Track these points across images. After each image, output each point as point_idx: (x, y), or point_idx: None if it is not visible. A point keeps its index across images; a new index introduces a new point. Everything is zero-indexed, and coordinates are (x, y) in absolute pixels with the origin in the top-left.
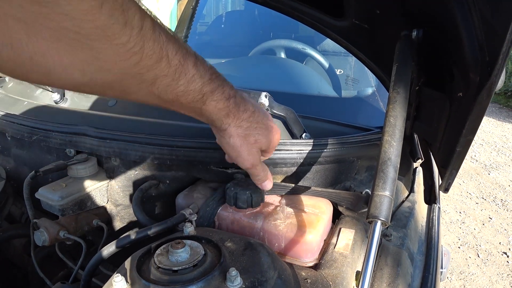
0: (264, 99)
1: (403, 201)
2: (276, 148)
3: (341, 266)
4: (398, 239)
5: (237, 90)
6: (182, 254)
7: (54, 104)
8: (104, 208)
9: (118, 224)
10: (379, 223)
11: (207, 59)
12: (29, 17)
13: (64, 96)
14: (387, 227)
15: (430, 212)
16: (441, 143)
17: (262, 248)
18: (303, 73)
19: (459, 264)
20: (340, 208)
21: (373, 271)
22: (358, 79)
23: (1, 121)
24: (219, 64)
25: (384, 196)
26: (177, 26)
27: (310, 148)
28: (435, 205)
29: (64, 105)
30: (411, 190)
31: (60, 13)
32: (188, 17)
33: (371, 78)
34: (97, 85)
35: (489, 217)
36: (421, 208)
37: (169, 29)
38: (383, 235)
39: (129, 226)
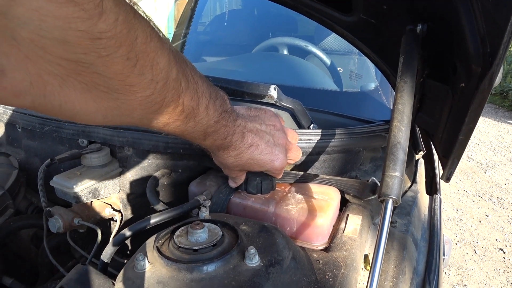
0: (273, 92)
1: (406, 191)
2: None
3: (350, 248)
4: (403, 226)
5: (247, 121)
6: (202, 234)
7: None
8: (116, 196)
9: (129, 213)
10: (390, 201)
11: (208, 57)
12: (64, 73)
13: None
14: (396, 207)
15: (431, 202)
16: (443, 134)
17: (276, 230)
18: (307, 69)
19: (457, 260)
20: (347, 196)
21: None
22: (361, 74)
23: (12, 113)
24: (224, 61)
25: (395, 176)
26: (176, 26)
27: (319, 138)
28: (436, 195)
29: None
30: (414, 181)
31: (94, 72)
32: (187, 18)
33: (374, 73)
34: (115, 124)
35: (486, 215)
36: (423, 199)
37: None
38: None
39: (141, 214)
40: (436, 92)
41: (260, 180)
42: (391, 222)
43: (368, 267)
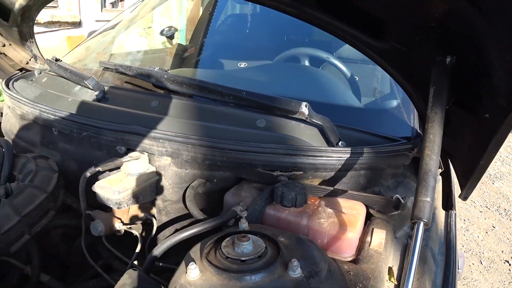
0: (304, 109)
1: None
2: (318, 154)
3: (377, 261)
4: (422, 240)
5: None
6: (247, 246)
7: (97, 101)
8: (151, 202)
9: (163, 218)
10: (422, 223)
11: (225, 60)
12: None
13: (105, 94)
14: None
15: (447, 217)
16: (464, 156)
17: (311, 243)
18: (330, 82)
19: (463, 270)
20: (371, 211)
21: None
22: (384, 91)
23: (48, 116)
24: (246, 69)
25: (427, 201)
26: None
27: (348, 155)
28: (452, 211)
29: (105, 102)
30: None
31: None
32: (205, 21)
33: (396, 91)
34: None
35: (493, 226)
36: (440, 214)
37: None
38: (409, 236)
39: (174, 220)
40: (460, 118)
41: (295, 194)
42: (411, 237)
43: (392, 279)
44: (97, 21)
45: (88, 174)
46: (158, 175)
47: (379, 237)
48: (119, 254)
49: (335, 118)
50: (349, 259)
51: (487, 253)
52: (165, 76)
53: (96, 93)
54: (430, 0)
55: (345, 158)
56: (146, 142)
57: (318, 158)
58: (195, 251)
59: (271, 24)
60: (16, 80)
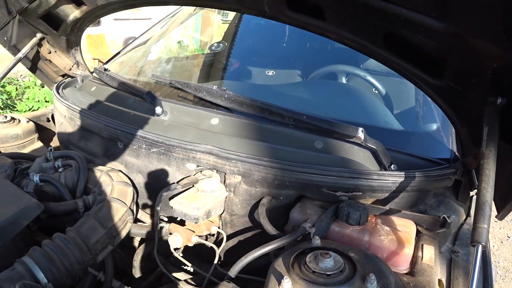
0: (361, 134)
1: (462, 224)
2: (376, 177)
3: (430, 274)
4: (464, 255)
5: None
6: (330, 262)
7: (156, 116)
8: (218, 216)
9: (228, 230)
10: (480, 246)
11: (252, 68)
12: None
13: (163, 109)
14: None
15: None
16: (502, 182)
17: (378, 258)
18: (370, 103)
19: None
20: (419, 228)
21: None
22: (424, 114)
23: (115, 130)
24: (285, 86)
25: (484, 227)
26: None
27: (403, 179)
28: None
29: (165, 117)
30: (468, 215)
31: None
32: (232, 33)
33: (436, 114)
34: None
35: (507, 236)
36: None
37: None
38: (452, 251)
39: (239, 232)
40: (502, 149)
41: (360, 214)
42: (454, 252)
43: None
44: (115, 19)
45: (164, 194)
46: (228, 191)
47: (429, 252)
48: (197, 268)
49: (382, 141)
50: (405, 271)
51: (502, 263)
52: (225, 96)
53: (157, 108)
54: (491, 54)
55: (400, 181)
56: (218, 162)
57: (377, 181)
58: (279, 265)
59: (301, 35)
60: (64, 88)
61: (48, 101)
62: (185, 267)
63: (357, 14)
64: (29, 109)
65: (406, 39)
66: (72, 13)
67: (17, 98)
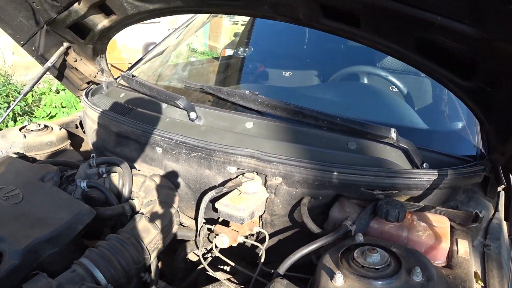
0: (393, 134)
1: (491, 219)
2: (411, 176)
3: (467, 267)
4: (496, 248)
5: None
6: (377, 256)
7: (190, 121)
8: (259, 216)
9: (269, 230)
10: None
11: (269, 69)
12: None
13: (197, 114)
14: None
15: (509, 227)
16: None
17: (419, 252)
18: (395, 103)
19: None
20: (452, 223)
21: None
22: (450, 113)
23: (154, 137)
24: (309, 88)
25: None
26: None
27: (436, 177)
28: None
29: (199, 122)
30: (496, 209)
31: None
32: (245, 37)
33: (461, 113)
34: None
35: None
36: (503, 224)
37: None
38: (484, 245)
39: (278, 231)
40: None
41: (398, 211)
42: (486, 246)
43: (480, 281)
44: None
45: (214, 194)
46: (269, 192)
47: (464, 246)
48: (239, 267)
49: (410, 139)
50: (442, 265)
51: None
52: (259, 100)
53: (191, 113)
54: None
55: (433, 179)
56: (260, 164)
57: (412, 179)
58: (327, 261)
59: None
60: (92, 95)
61: (64, 107)
62: (224, 267)
63: (392, 21)
64: (47, 115)
65: (437, 43)
66: (101, 22)
67: (34, 104)
